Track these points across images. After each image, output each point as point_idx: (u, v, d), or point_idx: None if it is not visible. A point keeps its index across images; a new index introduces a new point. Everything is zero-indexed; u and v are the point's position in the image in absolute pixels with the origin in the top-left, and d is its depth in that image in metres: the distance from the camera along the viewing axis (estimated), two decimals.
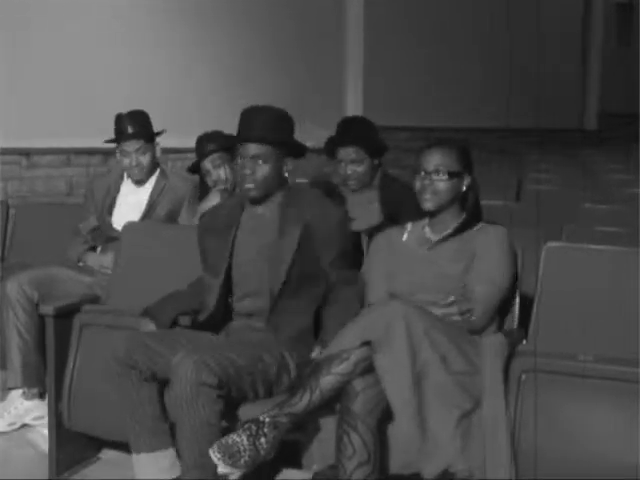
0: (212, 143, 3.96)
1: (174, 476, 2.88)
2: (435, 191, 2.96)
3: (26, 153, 6.21)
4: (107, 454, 3.50)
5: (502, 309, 2.98)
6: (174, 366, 2.65)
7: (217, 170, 3.95)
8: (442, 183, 2.96)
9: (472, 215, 3.03)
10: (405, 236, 3.09)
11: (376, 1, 9.30)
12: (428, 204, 2.98)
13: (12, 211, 4.81)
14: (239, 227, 3.11)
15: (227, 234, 3.10)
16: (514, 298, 3.03)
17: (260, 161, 3.00)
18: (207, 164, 3.95)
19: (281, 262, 2.99)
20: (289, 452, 2.75)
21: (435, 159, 2.97)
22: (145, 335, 2.94)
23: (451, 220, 3.02)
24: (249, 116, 3.06)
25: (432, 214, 3.02)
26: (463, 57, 10.67)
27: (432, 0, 10.23)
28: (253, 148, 3.00)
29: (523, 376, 2.67)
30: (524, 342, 2.93)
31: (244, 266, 3.06)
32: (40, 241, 4.49)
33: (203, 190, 4.01)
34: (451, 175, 2.95)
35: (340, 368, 2.58)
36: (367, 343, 2.59)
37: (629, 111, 12.46)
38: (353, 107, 8.83)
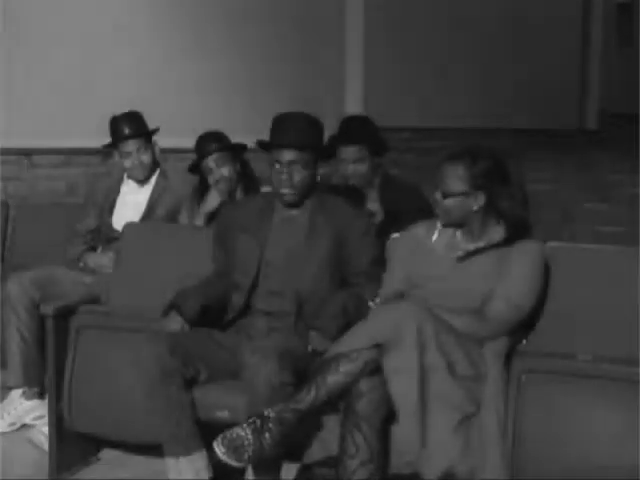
0: (214, 142, 3.96)
1: (210, 475, 2.90)
2: (443, 209, 2.88)
3: (26, 153, 6.20)
4: (107, 454, 3.50)
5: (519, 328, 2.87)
6: (253, 369, 2.70)
7: (220, 169, 3.94)
8: (445, 202, 2.86)
9: (511, 231, 2.86)
10: (435, 236, 2.98)
11: (376, 1, 9.29)
12: (439, 219, 2.93)
13: (12, 211, 4.82)
14: (271, 228, 3.14)
15: (259, 234, 3.14)
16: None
17: (297, 166, 3.06)
18: (210, 162, 3.95)
19: (309, 265, 3.06)
20: (290, 448, 2.77)
21: (442, 177, 2.86)
22: (184, 338, 2.97)
23: (483, 229, 2.88)
24: (285, 122, 3.11)
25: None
26: (463, 57, 10.66)
27: (432, 0, 10.22)
28: (291, 154, 3.06)
29: (523, 376, 2.67)
30: (524, 342, 2.93)
31: (272, 266, 3.11)
32: (40, 241, 4.49)
33: (203, 190, 4.01)
34: (451, 196, 2.83)
35: (348, 368, 2.58)
36: (377, 344, 2.59)
37: (629, 111, 12.45)
38: (353, 107, 8.82)
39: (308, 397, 2.58)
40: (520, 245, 2.84)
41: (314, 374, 2.62)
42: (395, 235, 3.21)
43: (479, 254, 2.86)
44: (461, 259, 2.87)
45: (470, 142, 3.06)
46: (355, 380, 2.57)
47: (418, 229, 3.04)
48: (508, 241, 2.85)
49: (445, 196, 2.85)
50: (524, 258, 2.82)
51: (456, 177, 2.82)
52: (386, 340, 2.57)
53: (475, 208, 2.84)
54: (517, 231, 2.86)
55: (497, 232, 2.88)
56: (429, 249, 2.96)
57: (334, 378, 2.58)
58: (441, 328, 2.63)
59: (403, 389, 2.55)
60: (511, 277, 2.79)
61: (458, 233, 2.94)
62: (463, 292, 2.81)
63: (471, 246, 2.88)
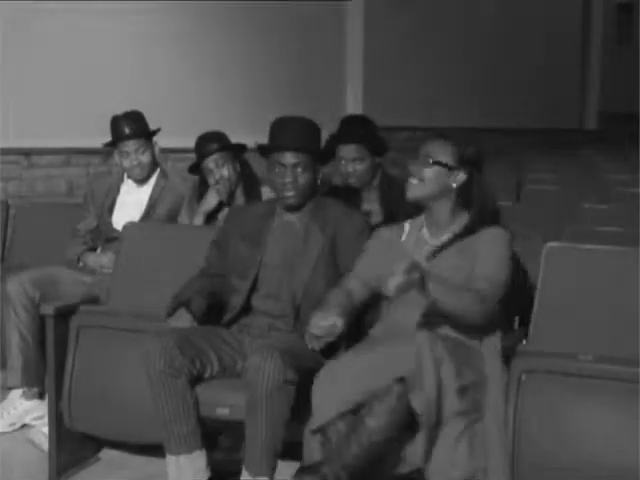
0: (214, 143, 3.96)
1: (208, 476, 2.91)
2: (422, 179, 2.86)
3: (26, 153, 6.21)
4: (107, 454, 3.50)
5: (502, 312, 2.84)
6: (255, 367, 2.69)
7: (220, 169, 3.94)
8: (427, 170, 2.85)
9: (476, 219, 2.89)
10: (404, 237, 2.98)
11: (376, 1, 9.30)
12: (410, 190, 2.88)
13: (12, 211, 4.82)
14: (269, 232, 3.15)
15: (259, 240, 3.14)
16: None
17: (300, 169, 3.05)
18: (210, 163, 3.94)
19: (304, 269, 3.05)
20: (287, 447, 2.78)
21: (428, 147, 2.88)
22: (191, 335, 2.96)
23: (448, 219, 2.91)
24: (286, 125, 3.10)
25: (425, 207, 2.91)
26: (463, 57, 10.67)
27: (432, 0, 10.22)
28: (294, 156, 3.05)
29: (523, 376, 2.67)
30: (524, 342, 2.93)
31: (269, 269, 3.11)
32: (40, 241, 4.49)
33: (202, 190, 4.01)
34: (437, 164, 2.84)
35: (383, 408, 2.52)
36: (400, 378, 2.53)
37: (629, 111, 12.46)
38: (353, 107, 8.83)
39: (354, 449, 2.51)
40: (485, 231, 2.85)
41: (348, 431, 2.55)
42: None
43: (447, 248, 2.87)
44: (430, 257, 2.87)
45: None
46: (395, 417, 2.52)
47: (386, 231, 3.03)
48: (473, 230, 2.86)
49: (430, 164, 2.85)
50: (492, 241, 2.82)
51: (445, 150, 2.86)
52: (408, 374, 2.52)
53: (453, 185, 2.87)
54: (483, 220, 2.87)
55: (460, 218, 2.91)
56: (399, 249, 2.93)
57: (373, 422, 2.52)
58: (453, 354, 2.60)
59: (423, 409, 2.52)
60: (485, 259, 2.78)
61: (424, 229, 2.94)
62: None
63: (437, 241, 2.90)
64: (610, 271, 2.98)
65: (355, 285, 2.93)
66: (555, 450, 2.58)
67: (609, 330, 2.88)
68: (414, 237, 2.96)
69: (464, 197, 2.90)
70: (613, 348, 2.78)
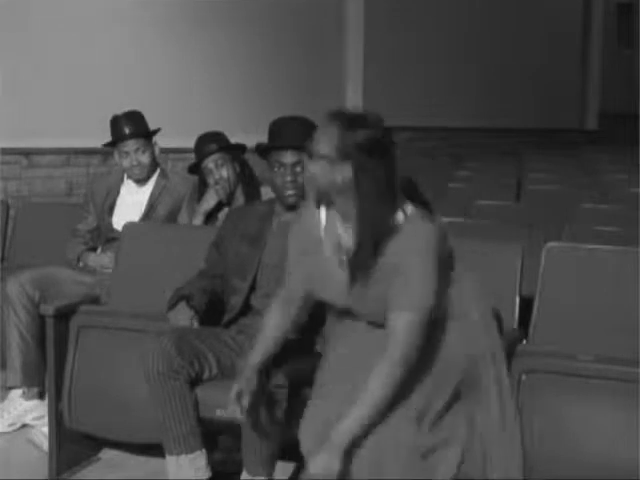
0: (213, 143, 3.96)
1: (209, 475, 2.91)
2: (309, 174, 2.49)
3: (26, 153, 6.21)
4: (107, 454, 3.50)
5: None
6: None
7: (219, 169, 3.95)
8: (311, 165, 2.45)
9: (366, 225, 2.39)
10: (323, 233, 2.56)
11: (376, 1, 9.30)
12: (306, 185, 2.62)
13: (12, 211, 4.82)
14: (269, 232, 3.16)
15: (259, 241, 3.15)
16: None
17: (299, 168, 3.06)
18: (210, 164, 3.95)
19: None
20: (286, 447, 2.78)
21: (314, 136, 2.48)
22: (190, 336, 2.96)
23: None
24: (284, 124, 3.12)
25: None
26: (463, 57, 10.67)
27: (432, 1, 10.23)
28: (293, 155, 3.06)
29: (523, 376, 2.67)
30: (524, 342, 2.93)
31: (268, 269, 3.11)
32: (40, 241, 4.49)
33: (202, 190, 4.02)
34: (318, 157, 2.42)
35: None
36: None
37: (629, 111, 12.47)
38: (353, 107, 8.83)
39: None
40: (406, 230, 2.40)
41: None
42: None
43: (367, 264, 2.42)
44: (352, 282, 2.45)
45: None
46: None
47: (304, 221, 2.62)
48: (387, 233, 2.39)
49: (311, 157, 2.46)
50: (412, 248, 2.38)
51: (329, 138, 2.41)
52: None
53: (339, 180, 2.40)
54: (373, 228, 2.38)
55: None
56: (321, 249, 2.55)
57: None
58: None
59: None
60: (404, 279, 2.37)
61: (338, 223, 2.50)
62: (370, 300, 2.45)
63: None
64: (610, 271, 2.98)
65: (293, 301, 2.67)
66: (555, 450, 2.58)
67: (609, 330, 2.88)
68: (330, 235, 2.53)
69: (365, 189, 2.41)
70: (613, 348, 2.78)
